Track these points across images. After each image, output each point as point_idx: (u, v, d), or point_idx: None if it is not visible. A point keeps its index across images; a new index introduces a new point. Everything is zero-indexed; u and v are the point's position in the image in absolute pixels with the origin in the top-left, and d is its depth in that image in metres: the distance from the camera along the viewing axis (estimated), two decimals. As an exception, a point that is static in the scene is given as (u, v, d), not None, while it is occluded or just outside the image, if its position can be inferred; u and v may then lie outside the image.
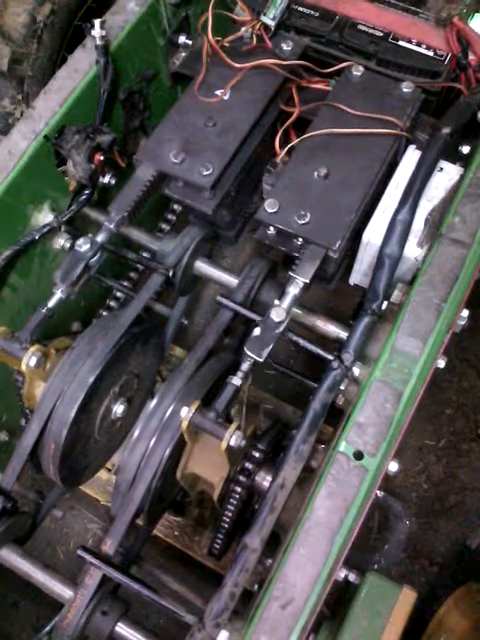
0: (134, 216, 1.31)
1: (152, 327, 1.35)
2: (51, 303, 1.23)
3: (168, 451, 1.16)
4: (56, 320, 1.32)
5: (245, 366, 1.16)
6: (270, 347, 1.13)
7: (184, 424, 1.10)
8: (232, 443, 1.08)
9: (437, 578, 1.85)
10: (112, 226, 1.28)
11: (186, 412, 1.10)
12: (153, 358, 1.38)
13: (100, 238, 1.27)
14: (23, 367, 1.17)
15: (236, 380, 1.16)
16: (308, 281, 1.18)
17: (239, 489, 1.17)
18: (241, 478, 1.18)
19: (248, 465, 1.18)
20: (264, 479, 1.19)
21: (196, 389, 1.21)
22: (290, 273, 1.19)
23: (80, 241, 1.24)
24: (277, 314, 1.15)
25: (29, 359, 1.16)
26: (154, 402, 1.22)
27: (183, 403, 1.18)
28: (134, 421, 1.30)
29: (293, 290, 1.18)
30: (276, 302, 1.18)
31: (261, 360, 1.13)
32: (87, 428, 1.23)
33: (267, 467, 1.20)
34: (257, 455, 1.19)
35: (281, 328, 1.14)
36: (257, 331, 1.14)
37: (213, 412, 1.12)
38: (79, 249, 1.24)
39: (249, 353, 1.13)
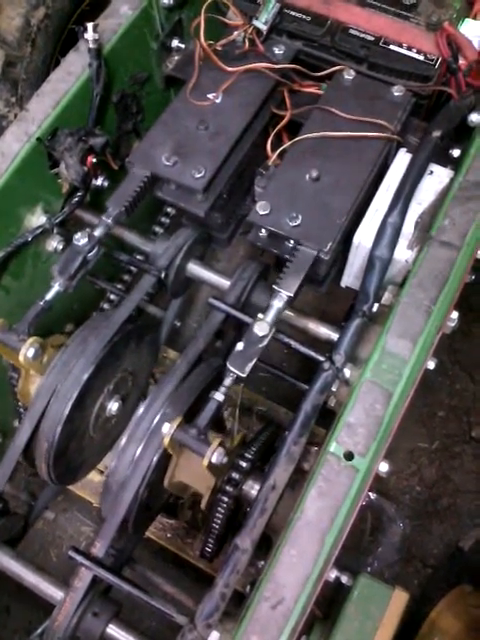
0: (131, 211, 1.31)
1: (147, 325, 1.35)
2: (49, 296, 1.24)
3: (156, 458, 1.16)
4: (50, 322, 1.33)
5: (228, 381, 1.14)
6: (253, 362, 1.12)
7: (166, 440, 1.09)
8: (214, 460, 1.07)
9: (430, 580, 1.85)
10: (110, 220, 1.28)
11: (168, 428, 1.09)
12: (148, 356, 1.38)
13: (98, 232, 1.28)
14: (21, 358, 1.17)
15: (218, 396, 1.14)
16: (292, 295, 1.17)
17: (226, 499, 1.17)
18: (228, 488, 1.17)
19: (235, 475, 1.18)
20: (252, 488, 1.19)
21: (182, 399, 1.21)
22: (274, 286, 1.19)
23: (78, 235, 1.25)
24: (260, 328, 1.14)
25: (27, 350, 1.16)
26: (143, 408, 1.22)
27: (170, 411, 1.18)
28: (129, 418, 1.30)
29: (277, 303, 1.17)
30: (259, 316, 1.17)
31: (244, 375, 1.11)
32: (82, 425, 1.23)
33: (255, 476, 1.20)
34: (244, 465, 1.18)
35: (264, 342, 1.13)
36: (240, 346, 1.13)
37: (195, 428, 1.11)
38: (77, 243, 1.25)
39: (232, 368, 1.11)
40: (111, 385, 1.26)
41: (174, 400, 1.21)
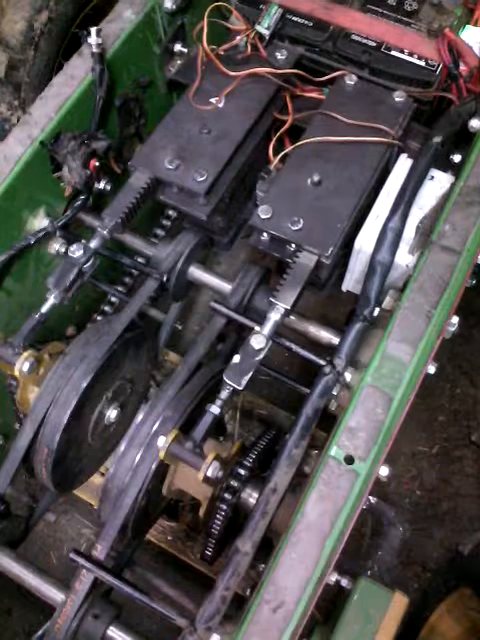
0: (128, 222, 1.31)
1: (145, 332, 1.35)
2: (44, 309, 1.24)
3: (154, 466, 1.16)
4: (51, 324, 1.33)
5: (224, 394, 1.13)
6: (249, 375, 1.11)
7: (161, 454, 1.09)
8: (209, 474, 1.07)
9: (430, 584, 1.85)
10: (105, 232, 1.28)
11: (163, 442, 1.09)
12: (146, 363, 1.39)
13: (93, 244, 1.28)
14: (16, 372, 1.17)
15: (214, 409, 1.14)
16: (289, 308, 1.17)
17: (224, 506, 1.17)
18: (226, 496, 1.17)
19: (234, 483, 1.18)
20: (250, 496, 1.19)
21: (182, 405, 1.21)
22: (271, 299, 1.18)
23: (73, 247, 1.25)
24: (257, 341, 1.13)
25: (22, 365, 1.17)
26: (142, 414, 1.22)
27: (170, 416, 1.18)
28: (127, 426, 1.30)
29: (274, 316, 1.17)
30: (256, 328, 1.17)
31: (240, 388, 1.11)
32: (80, 433, 1.23)
33: (253, 484, 1.20)
34: (243, 473, 1.18)
35: (261, 355, 1.13)
36: (236, 358, 1.12)
37: (190, 442, 1.11)
38: (72, 255, 1.24)
39: (228, 381, 1.11)
40: (110, 393, 1.26)
41: (174, 407, 1.21)
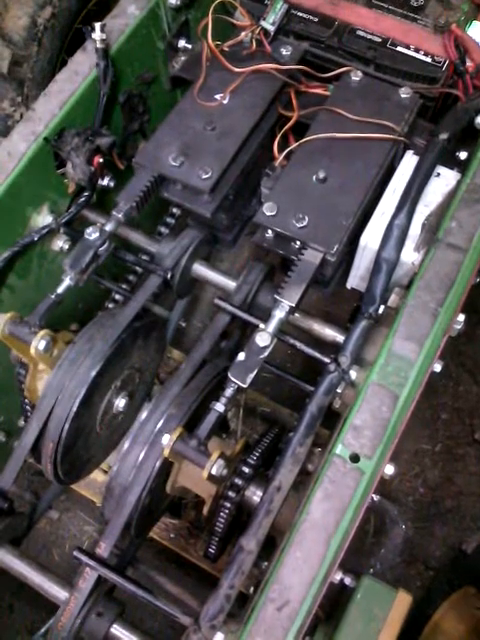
0: (142, 207, 1.31)
1: (153, 322, 1.35)
2: (60, 289, 1.24)
3: (158, 464, 1.15)
4: (55, 321, 1.33)
5: (229, 392, 1.13)
6: (254, 372, 1.11)
7: (166, 451, 1.09)
8: (214, 472, 1.06)
9: (433, 582, 1.85)
10: (120, 215, 1.28)
11: (168, 440, 1.08)
12: (155, 353, 1.38)
13: (109, 227, 1.27)
14: (32, 351, 1.17)
15: (219, 406, 1.13)
16: (294, 305, 1.17)
17: (228, 505, 1.17)
18: (230, 493, 1.17)
19: (238, 481, 1.17)
20: (254, 494, 1.19)
21: (186, 403, 1.20)
22: (276, 296, 1.18)
23: (89, 229, 1.25)
24: (262, 339, 1.12)
25: (38, 342, 1.16)
26: (146, 412, 1.22)
27: (174, 413, 1.18)
28: (135, 415, 1.30)
29: (279, 313, 1.16)
30: (261, 325, 1.16)
31: (245, 386, 1.11)
32: (89, 421, 1.23)
33: (257, 482, 1.20)
34: (247, 471, 1.18)
35: (266, 353, 1.12)
36: (241, 356, 1.12)
37: (195, 439, 1.10)
38: (88, 237, 1.24)
39: (233, 379, 1.11)
40: (118, 382, 1.26)
41: (178, 404, 1.21)
